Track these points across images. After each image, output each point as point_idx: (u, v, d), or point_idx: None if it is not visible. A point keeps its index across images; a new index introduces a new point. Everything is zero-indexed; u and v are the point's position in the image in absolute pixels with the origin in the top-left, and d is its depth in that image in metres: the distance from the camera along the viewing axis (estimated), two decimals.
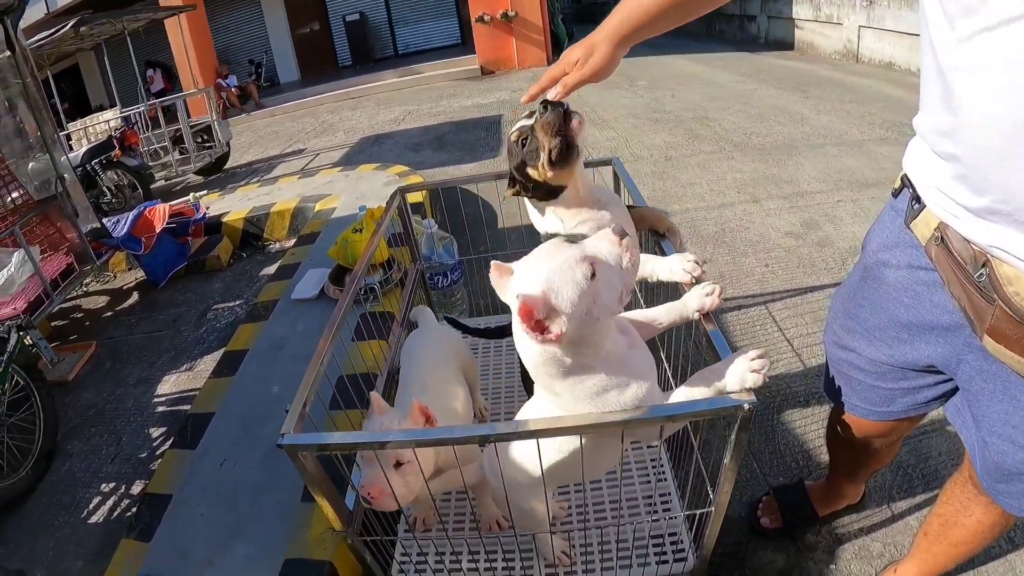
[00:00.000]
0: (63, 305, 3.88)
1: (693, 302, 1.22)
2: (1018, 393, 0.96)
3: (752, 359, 1.02)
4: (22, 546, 2.21)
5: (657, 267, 1.35)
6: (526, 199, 1.43)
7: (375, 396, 1.37)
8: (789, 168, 4.40)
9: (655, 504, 1.66)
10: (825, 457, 1.96)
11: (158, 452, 2.55)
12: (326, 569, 1.68)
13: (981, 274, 0.88)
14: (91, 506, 2.33)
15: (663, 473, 1.74)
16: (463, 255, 2.66)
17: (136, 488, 2.38)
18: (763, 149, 4.80)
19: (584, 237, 1.29)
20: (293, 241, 4.05)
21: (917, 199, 1.01)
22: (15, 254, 3.05)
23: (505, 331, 1.85)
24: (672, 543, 1.56)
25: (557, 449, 1.17)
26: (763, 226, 3.64)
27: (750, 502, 1.87)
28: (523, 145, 1.29)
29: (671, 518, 1.60)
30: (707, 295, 1.21)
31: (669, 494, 1.69)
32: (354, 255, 2.79)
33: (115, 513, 2.29)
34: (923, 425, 2.01)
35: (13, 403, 2.48)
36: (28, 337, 2.69)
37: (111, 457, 2.58)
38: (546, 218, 1.43)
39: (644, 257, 1.33)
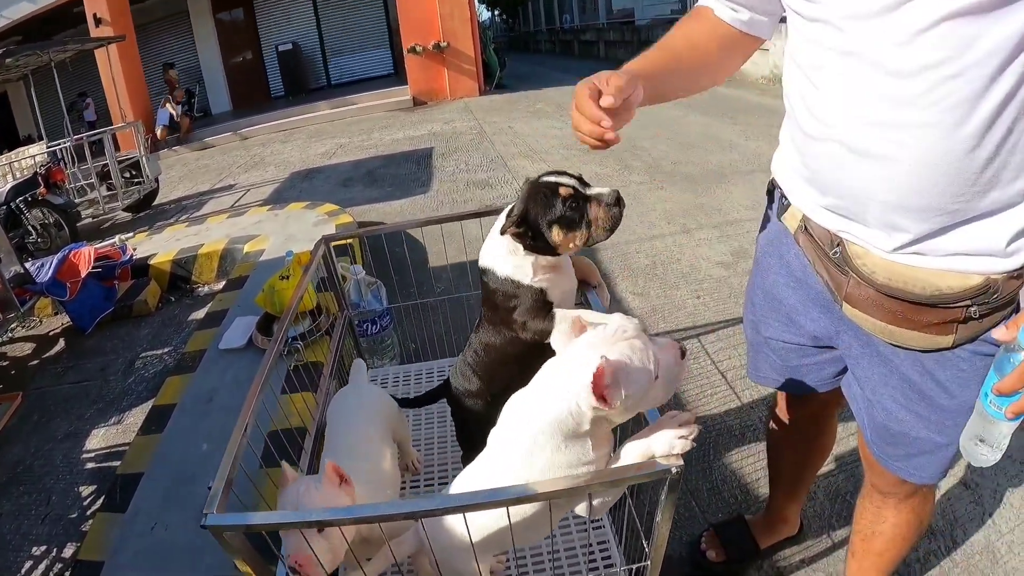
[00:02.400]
0: None
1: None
2: (891, 357, 1.10)
3: (679, 424, 1.04)
4: None
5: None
6: (497, 237, 1.36)
7: (285, 467, 1.33)
8: (718, 196, 4.53)
9: (595, 554, 1.68)
10: (763, 490, 2.03)
11: (89, 512, 2.44)
12: None
13: (836, 252, 1.07)
14: (23, 571, 2.21)
15: (601, 522, 1.77)
16: (391, 301, 2.66)
17: (68, 551, 2.26)
18: (692, 178, 4.94)
19: (540, 291, 1.33)
20: (222, 284, 3.98)
21: (784, 197, 1.20)
22: None
23: (436, 395, 1.85)
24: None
25: (489, 520, 1.16)
26: (694, 256, 3.74)
27: (690, 541, 1.90)
28: (568, 205, 1.24)
29: (609, 569, 1.62)
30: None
31: (607, 542, 1.71)
32: (281, 303, 2.75)
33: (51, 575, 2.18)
34: (858, 452, 2.10)
35: None
36: None
37: (41, 518, 2.45)
38: (513, 262, 1.36)
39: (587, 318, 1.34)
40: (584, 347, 1.01)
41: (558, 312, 1.33)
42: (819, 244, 1.11)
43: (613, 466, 1.07)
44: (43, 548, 2.31)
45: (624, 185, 4.93)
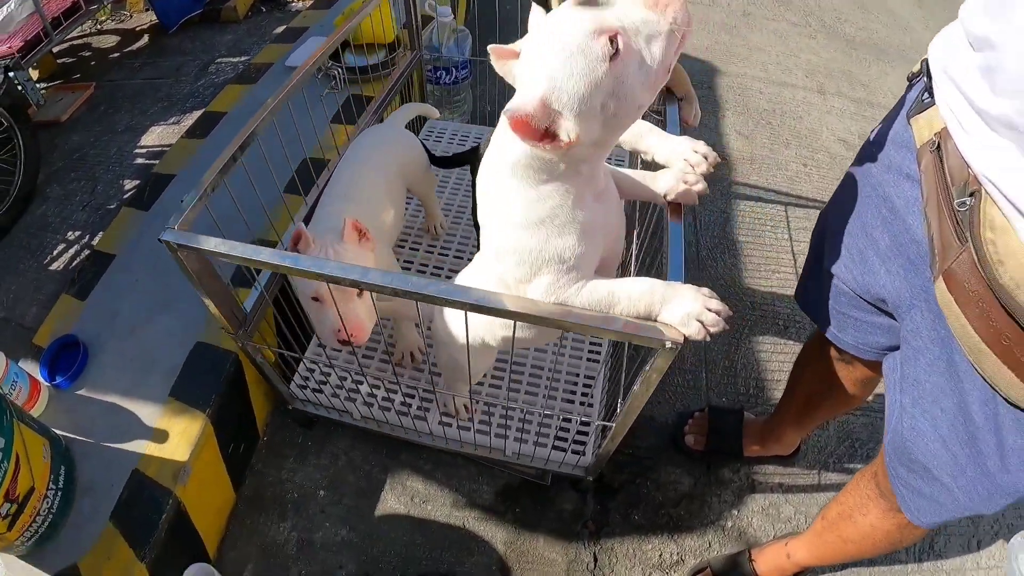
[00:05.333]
0: (74, 42, 3.71)
1: (665, 182, 1.02)
2: (963, 377, 0.80)
3: (708, 306, 0.84)
4: None
5: (656, 145, 1.08)
6: None
7: (302, 229, 1.19)
8: (871, 72, 3.88)
9: (578, 388, 1.58)
10: (777, 394, 1.84)
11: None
12: (230, 360, 1.65)
13: (964, 203, 0.72)
14: (55, 252, 2.30)
15: (598, 356, 1.65)
16: (479, 56, 2.41)
17: (98, 239, 2.28)
18: (851, 41, 4.24)
19: None
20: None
21: (929, 91, 0.84)
22: None
23: (463, 159, 1.68)
24: (579, 432, 1.50)
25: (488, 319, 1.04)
26: (818, 122, 3.27)
27: (683, 412, 1.78)
28: None
29: (587, 405, 1.52)
30: (686, 183, 1.00)
31: (594, 378, 1.61)
32: (357, 29, 2.46)
33: (74, 262, 2.25)
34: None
35: None
36: (16, 79, 2.54)
37: (83, 204, 2.51)
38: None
39: (646, 126, 1.09)
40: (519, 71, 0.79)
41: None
42: (947, 179, 0.76)
43: (616, 294, 0.89)
44: (78, 233, 2.37)
45: (774, 19, 4.30)
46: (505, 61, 0.82)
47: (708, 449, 1.70)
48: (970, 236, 0.70)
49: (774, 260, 2.33)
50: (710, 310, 0.83)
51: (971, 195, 0.71)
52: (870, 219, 0.95)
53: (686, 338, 0.84)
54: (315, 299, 1.17)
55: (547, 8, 1.10)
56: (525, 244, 0.86)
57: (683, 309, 0.83)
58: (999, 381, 0.72)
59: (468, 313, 0.92)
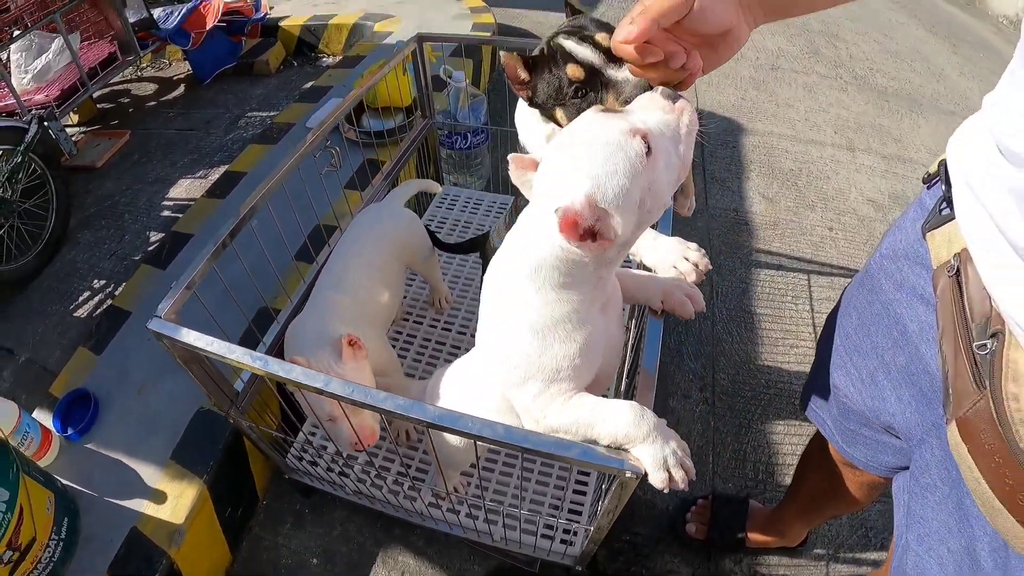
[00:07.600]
0: (115, 87, 3.86)
1: (661, 290, 1.01)
2: (972, 522, 0.71)
3: (684, 463, 0.82)
4: (15, 327, 2.27)
5: (645, 248, 1.07)
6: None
7: (298, 359, 1.22)
8: (904, 125, 3.80)
9: (568, 486, 1.54)
10: (788, 481, 1.75)
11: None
12: (229, 429, 1.68)
13: (984, 346, 0.62)
14: (80, 299, 2.36)
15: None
16: (498, 123, 2.44)
17: (121, 290, 2.37)
18: (883, 92, 4.18)
19: None
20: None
21: (949, 202, 0.72)
22: (55, 41, 2.94)
23: (473, 247, 1.69)
24: (565, 530, 1.47)
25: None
26: (846, 182, 3.20)
27: (686, 498, 1.72)
28: (573, 90, 0.99)
29: (575, 513, 1.50)
30: (688, 295, 0.99)
31: (590, 474, 1.57)
32: (374, 92, 2.52)
33: (98, 311, 2.31)
34: None
35: (29, 190, 2.49)
36: (50, 128, 2.65)
37: (111, 253, 2.58)
38: (531, 123, 1.20)
39: None
40: (541, 194, 0.79)
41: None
42: (966, 312, 0.66)
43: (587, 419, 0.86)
44: (103, 281, 2.44)
45: (804, 72, 4.26)
46: (524, 171, 0.83)
47: (708, 538, 1.64)
48: (989, 385, 0.61)
49: (793, 334, 2.27)
50: (682, 467, 0.81)
51: (992, 336, 0.62)
52: (881, 340, 0.87)
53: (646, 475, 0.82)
54: (331, 419, 1.21)
55: (555, 121, 1.10)
56: (526, 348, 0.85)
57: (661, 453, 0.81)
58: (1011, 538, 0.63)
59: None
